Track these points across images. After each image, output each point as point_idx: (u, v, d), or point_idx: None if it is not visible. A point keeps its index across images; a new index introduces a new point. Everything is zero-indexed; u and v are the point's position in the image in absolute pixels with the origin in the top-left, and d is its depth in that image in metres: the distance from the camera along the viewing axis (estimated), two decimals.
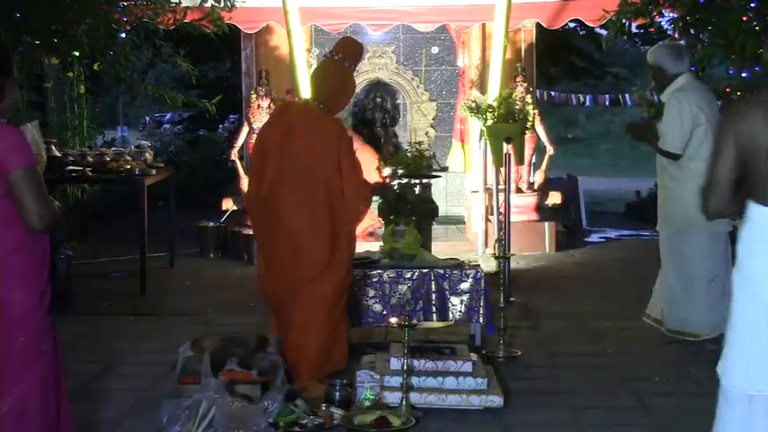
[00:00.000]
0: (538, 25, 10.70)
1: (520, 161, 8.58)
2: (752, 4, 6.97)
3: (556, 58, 18.19)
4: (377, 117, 11.51)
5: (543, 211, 10.35)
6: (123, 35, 8.70)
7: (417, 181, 6.53)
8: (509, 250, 7.04)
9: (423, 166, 6.89)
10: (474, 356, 5.18)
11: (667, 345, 6.15)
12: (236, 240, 9.66)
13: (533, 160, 10.52)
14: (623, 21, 8.14)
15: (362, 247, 6.80)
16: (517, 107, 8.64)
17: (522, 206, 9.98)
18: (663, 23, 8.86)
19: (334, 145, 5.19)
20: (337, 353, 5.32)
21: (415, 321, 5.23)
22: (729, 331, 3.46)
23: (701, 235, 5.97)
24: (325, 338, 5.22)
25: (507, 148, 7.85)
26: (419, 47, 11.72)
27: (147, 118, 19.72)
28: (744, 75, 7.44)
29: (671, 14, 8.22)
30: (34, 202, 3.46)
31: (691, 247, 6.01)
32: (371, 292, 5.88)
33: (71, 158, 8.42)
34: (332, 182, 5.16)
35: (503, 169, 7.90)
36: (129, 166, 8.40)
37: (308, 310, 5.17)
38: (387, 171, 6.44)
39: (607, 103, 18.53)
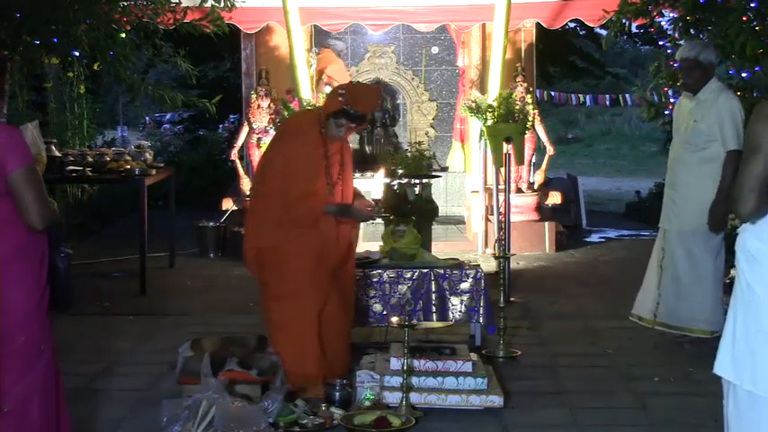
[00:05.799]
0: (538, 25, 10.69)
1: (520, 161, 8.58)
2: (752, 4, 6.98)
3: (556, 58, 18.19)
4: (376, 117, 11.49)
5: (543, 211, 10.35)
6: (123, 35, 8.69)
7: (417, 181, 6.53)
8: (509, 250, 7.04)
9: (423, 166, 6.90)
10: (474, 356, 5.18)
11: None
12: (236, 240, 9.62)
13: (533, 160, 10.52)
14: (623, 21, 8.16)
15: (362, 246, 6.81)
16: (517, 107, 8.63)
17: (522, 206, 9.98)
18: (663, 23, 8.87)
19: (280, 140, 5.32)
20: (305, 368, 5.03)
21: (415, 321, 5.22)
22: (754, 336, 3.24)
23: (717, 234, 5.96)
24: (286, 347, 5.03)
25: (507, 148, 7.86)
26: (419, 47, 11.72)
27: (147, 118, 19.68)
28: (744, 75, 7.45)
29: (671, 14, 8.23)
30: (35, 201, 3.46)
31: (706, 245, 5.99)
32: (371, 292, 5.88)
33: (71, 158, 8.42)
34: (270, 176, 5.14)
35: (503, 169, 7.90)
36: (129, 166, 8.39)
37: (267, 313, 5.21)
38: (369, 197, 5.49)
39: (607, 103, 18.57)
